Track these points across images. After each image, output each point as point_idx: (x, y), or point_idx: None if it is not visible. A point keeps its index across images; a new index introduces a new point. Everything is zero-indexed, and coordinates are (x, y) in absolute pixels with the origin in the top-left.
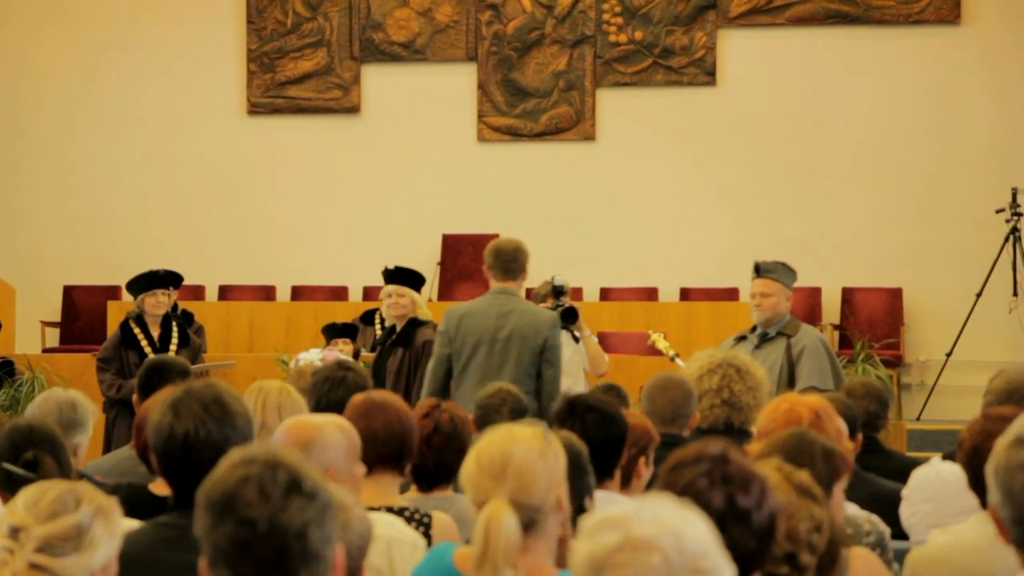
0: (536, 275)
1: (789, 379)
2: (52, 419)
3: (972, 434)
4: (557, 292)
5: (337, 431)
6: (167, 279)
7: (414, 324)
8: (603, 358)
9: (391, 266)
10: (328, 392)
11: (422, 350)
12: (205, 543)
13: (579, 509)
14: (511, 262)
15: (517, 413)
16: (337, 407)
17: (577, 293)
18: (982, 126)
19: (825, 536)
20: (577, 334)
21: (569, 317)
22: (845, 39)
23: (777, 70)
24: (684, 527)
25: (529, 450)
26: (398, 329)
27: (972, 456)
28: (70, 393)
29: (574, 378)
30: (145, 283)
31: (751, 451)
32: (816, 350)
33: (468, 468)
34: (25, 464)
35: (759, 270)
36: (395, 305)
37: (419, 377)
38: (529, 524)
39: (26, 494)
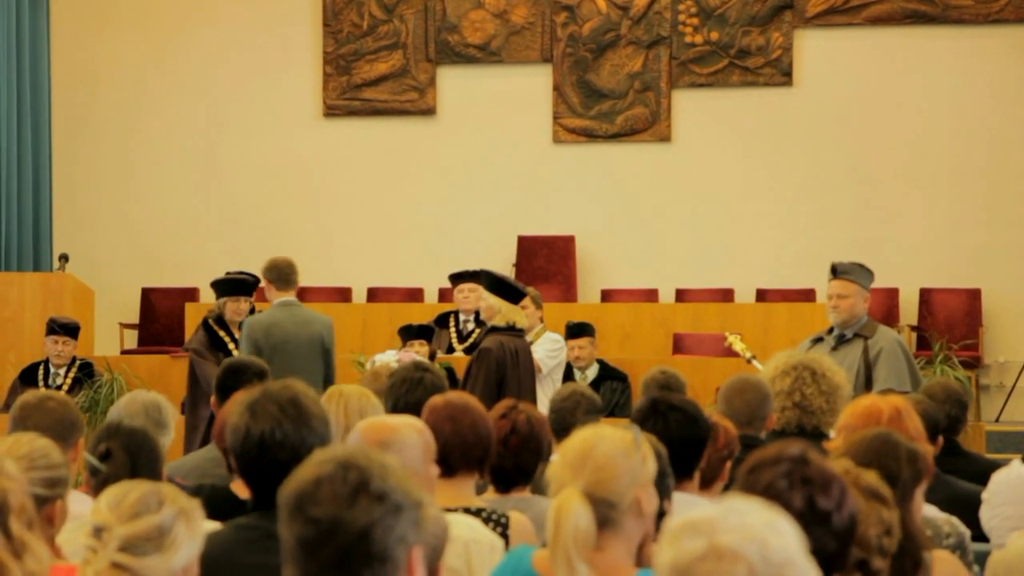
0: (622, 277)
1: (867, 381)
2: (140, 420)
3: None
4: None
5: (413, 432)
6: (254, 287)
7: (487, 331)
8: None
9: (484, 270)
10: (406, 394)
11: (477, 356)
12: (283, 542)
13: (658, 511)
14: (292, 275)
15: (592, 413)
16: (415, 408)
17: (652, 294)
18: None
19: (896, 538)
20: None
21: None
22: (922, 39)
23: (854, 70)
24: (769, 535)
25: (613, 446)
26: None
27: None
28: (154, 395)
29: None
30: (231, 288)
31: (831, 448)
32: (894, 352)
33: (554, 462)
34: (100, 456)
35: (836, 271)
36: (464, 300)
37: (471, 382)
38: (605, 521)
39: (109, 494)
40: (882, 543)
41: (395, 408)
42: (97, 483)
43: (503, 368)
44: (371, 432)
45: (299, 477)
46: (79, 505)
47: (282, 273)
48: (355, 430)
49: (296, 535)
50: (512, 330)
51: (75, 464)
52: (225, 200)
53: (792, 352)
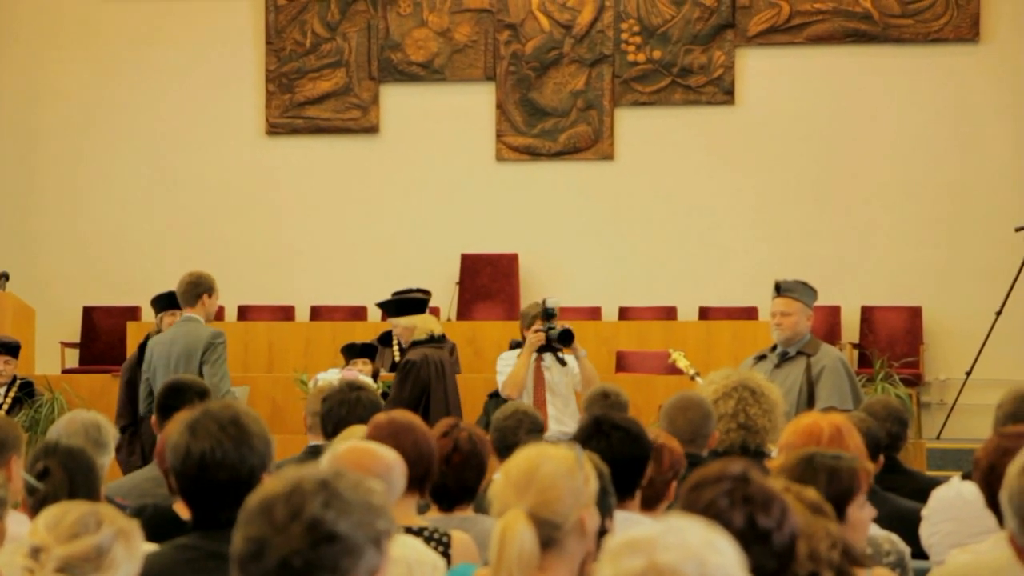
0: (565, 294)
1: (809, 399)
2: (79, 440)
3: (988, 452)
4: (548, 315)
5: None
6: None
7: (411, 345)
8: (597, 379)
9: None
10: (346, 415)
11: (401, 368)
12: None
13: (600, 530)
14: (188, 292)
15: (534, 432)
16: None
17: (596, 312)
18: (1001, 144)
19: (839, 550)
20: (571, 356)
21: (565, 339)
22: (864, 58)
23: (796, 89)
24: (709, 553)
25: (557, 467)
26: None
27: (988, 474)
28: (94, 415)
29: (564, 400)
30: (164, 303)
31: (772, 466)
32: (836, 370)
33: (497, 481)
34: (37, 475)
35: (779, 289)
36: (399, 337)
37: (393, 393)
38: (549, 541)
39: (48, 514)
40: (831, 556)
41: (336, 430)
42: (35, 502)
43: (427, 380)
44: (365, 461)
45: (260, 492)
46: (17, 526)
47: (180, 288)
48: (335, 456)
49: (234, 548)
50: (433, 340)
51: (10, 484)
52: (168, 218)
53: (727, 371)
